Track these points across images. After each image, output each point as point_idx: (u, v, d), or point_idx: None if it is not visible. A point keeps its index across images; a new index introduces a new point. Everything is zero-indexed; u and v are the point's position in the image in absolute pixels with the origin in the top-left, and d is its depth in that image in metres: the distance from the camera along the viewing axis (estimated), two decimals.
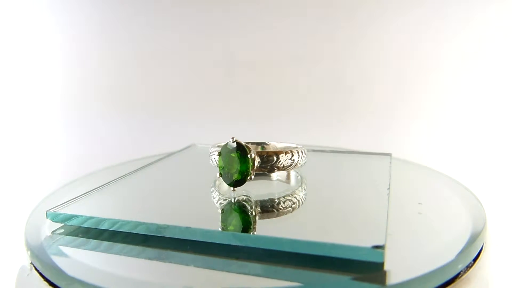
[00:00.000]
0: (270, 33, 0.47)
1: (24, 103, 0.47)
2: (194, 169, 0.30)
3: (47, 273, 0.18)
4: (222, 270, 0.17)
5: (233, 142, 0.22)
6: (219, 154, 0.22)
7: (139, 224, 0.19)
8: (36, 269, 0.18)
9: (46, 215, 0.20)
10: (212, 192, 0.24)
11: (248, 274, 0.16)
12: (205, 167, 0.27)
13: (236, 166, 0.21)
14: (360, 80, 0.47)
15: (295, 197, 0.23)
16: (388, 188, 0.24)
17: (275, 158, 0.23)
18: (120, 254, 0.18)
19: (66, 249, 0.18)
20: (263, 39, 0.47)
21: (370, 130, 0.47)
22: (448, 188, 0.25)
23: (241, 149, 0.21)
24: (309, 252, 0.17)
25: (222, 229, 0.18)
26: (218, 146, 0.24)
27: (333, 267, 0.16)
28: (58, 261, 0.17)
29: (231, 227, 0.19)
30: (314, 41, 0.46)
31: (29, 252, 0.19)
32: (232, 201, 0.22)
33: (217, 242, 0.18)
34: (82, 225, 0.20)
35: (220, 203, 0.22)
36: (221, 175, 0.22)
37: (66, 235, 0.20)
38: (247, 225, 0.19)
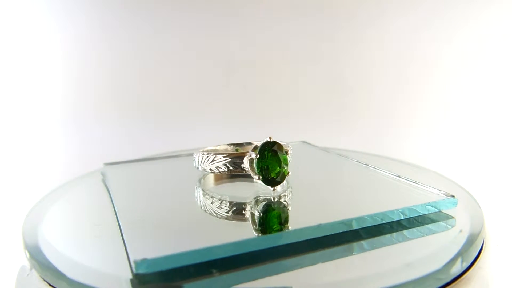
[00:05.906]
0: (270, 33, 0.47)
1: (24, 103, 0.47)
2: (158, 182, 0.27)
3: (43, 273, 0.17)
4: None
5: (271, 141, 0.21)
6: (257, 155, 0.21)
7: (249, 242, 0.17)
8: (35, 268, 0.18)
9: (135, 267, 0.15)
10: (222, 200, 0.23)
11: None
12: (167, 179, 0.26)
13: (277, 166, 0.21)
14: (360, 80, 0.47)
15: (292, 192, 0.23)
16: (366, 164, 0.26)
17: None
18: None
19: (63, 250, 0.18)
20: (263, 39, 0.47)
21: (370, 130, 0.47)
22: (446, 188, 0.25)
23: (279, 148, 0.21)
24: (396, 219, 0.19)
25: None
26: (203, 150, 0.24)
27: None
28: (55, 261, 0.17)
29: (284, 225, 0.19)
30: (314, 41, 0.46)
31: (26, 252, 0.19)
32: (273, 200, 0.21)
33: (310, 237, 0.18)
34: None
35: (244, 208, 0.21)
36: (259, 176, 0.21)
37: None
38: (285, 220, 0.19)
